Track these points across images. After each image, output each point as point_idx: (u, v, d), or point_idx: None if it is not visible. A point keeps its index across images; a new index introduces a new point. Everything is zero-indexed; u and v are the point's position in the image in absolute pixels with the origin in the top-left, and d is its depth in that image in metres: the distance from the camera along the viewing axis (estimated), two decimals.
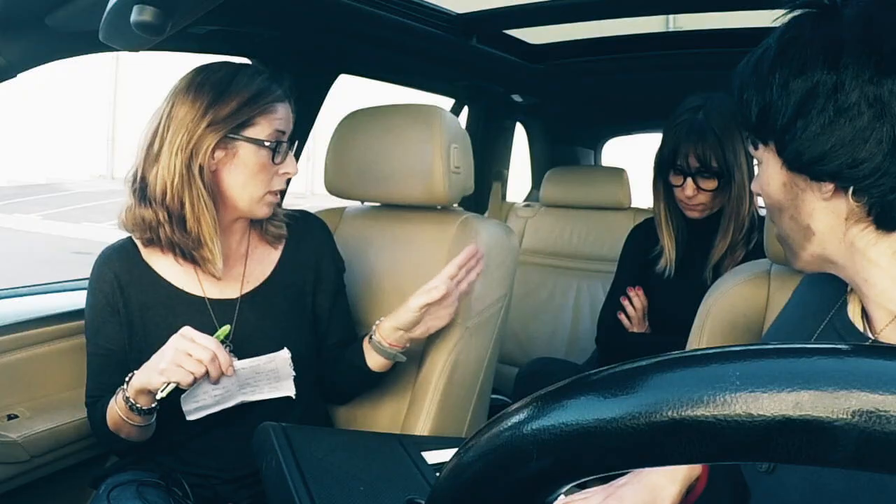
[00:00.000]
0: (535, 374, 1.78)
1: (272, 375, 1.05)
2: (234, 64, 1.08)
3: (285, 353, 1.05)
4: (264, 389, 1.05)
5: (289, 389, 1.05)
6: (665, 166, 1.46)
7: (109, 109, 13.95)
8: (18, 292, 1.35)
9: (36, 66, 1.06)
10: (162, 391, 0.94)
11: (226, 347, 0.99)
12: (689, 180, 1.41)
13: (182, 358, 0.93)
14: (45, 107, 13.35)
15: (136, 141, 1.06)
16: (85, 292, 1.12)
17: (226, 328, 1.01)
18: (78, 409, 1.20)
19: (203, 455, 1.11)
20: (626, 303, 1.58)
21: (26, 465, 1.13)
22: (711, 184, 1.41)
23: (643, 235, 1.64)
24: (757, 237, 1.46)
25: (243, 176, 1.05)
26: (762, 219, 1.49)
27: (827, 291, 0.74)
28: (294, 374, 1.06)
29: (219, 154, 1.04)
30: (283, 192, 1.52)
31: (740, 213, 1.43)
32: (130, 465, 1.12)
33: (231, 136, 1.03)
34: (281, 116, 1.07)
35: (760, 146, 0.67)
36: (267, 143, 1.05)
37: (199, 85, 1.02)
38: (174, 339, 0.95)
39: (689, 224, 1.53)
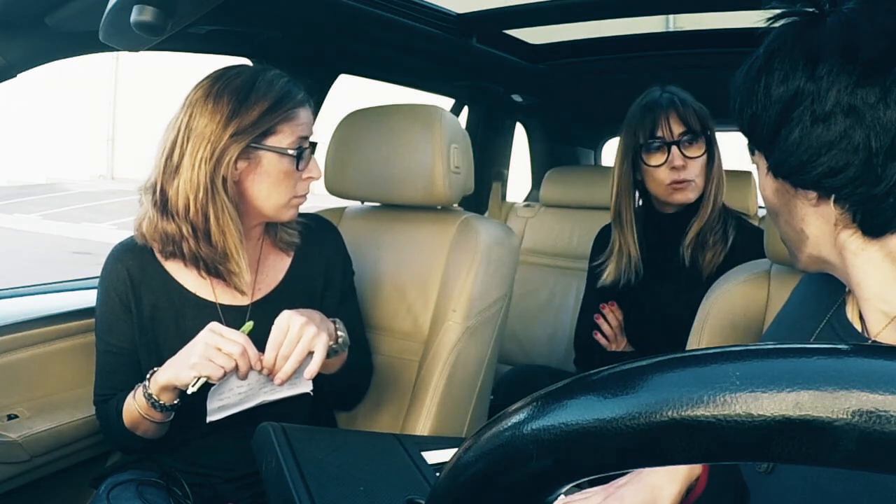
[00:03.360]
0: (515, 381, 1.76)
1: (295, 375, 1.03)
2: (251, 68, 1.06)
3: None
4: (284, 388, 1.04)
5: (307, 386, 1.05)
6: (638, 151, 1.37)
7: (109, 109, 13.95)
8: (18, 292, 1.35)
9: (36, 66, 1.06)
10: (193, 386, 0.94)
11: None
12: (675, 149, 1.33)
13: (212, 352, 0.93)
14: (45, 107, 13.36)
15: (154, 151, 1.04)
16: (85, 292, 1.12)
17: (249, 324, 1.00)
18: (78, 409, 1.20)
19: (203, 454, 1.11)
20: (600, 321, 1.47)
21: (26, 465, 1.13)
22: (698, 149, 1.34)
23: (608, 242, 1.53)
24: (734, 237, 1.40)
25: (267, 185, 1.04)
26: (737, 218, 1.45)
27: (825, 291, 0.74)
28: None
29: (241, 164, 1.02)
30: None
31: (719, 193, 1.38)
32: (131, 465, 1.12)
33: (254, 145, 1.01)
34: (303, 122, 1.05)
35: (756, 152, 0.67)
36: (290, 152, 1.03)
37: (218, 94, 1.00)
38: (204, 334, 0.95)
39: (656, 222, 1.46)
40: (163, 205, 1.01)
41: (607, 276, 1.46)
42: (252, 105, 1.00)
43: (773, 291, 1.00)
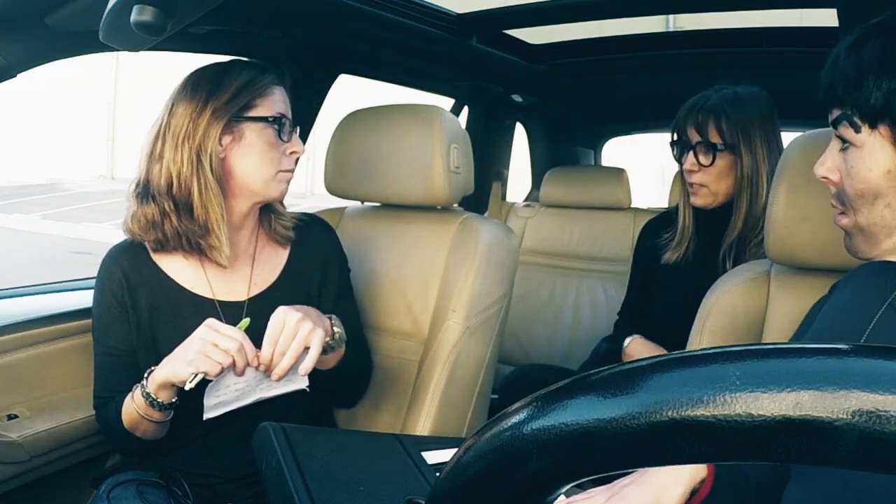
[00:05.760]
0: (519, 379, 1.77)
1: (289, 371, 1.04)
2: (224, 62, 1.10)
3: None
4: (280, 384, 1.04)
5: (303, 382, 1.05)
6: (675, 147, 1.43)
7: (109, 109, 13.96)
8: (18, 292, 1.35)
9: (36, 66, 1.07)
10: (190, 382, 0.94)
11: None
12: (690, 154, 1.37)
13: (209, 348, 0.94)
14: (45, 107, 13.35)
15: (140, 150, 1.07)
16: (85, 292, 1.12)
17: (246, 321, 1.01)
18: (78, 409, 1.20)
19: (203, 455, 1.11)
20: None
21: (26, 465, 1.13)
22: (708, 158, 1.35)
23: (654, 232, 1.57)
24: None
25: (253, 158, 1.06)
26: None
27: (884, 279, 0.73)
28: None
29: (226, 140, 1.05)
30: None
31: (753, 202, 1.35)
32: (131, 465, 1.12)
33: (235, 119, 1.04)
34: (278, 99, 1.09)
35: (865, 130, 0.67)
36: (271, 119, 1.07)
37: (195, 83, 1.05)
38: (201, 330, 0.96)
39: (701, 218, 1.47)
40: (144, 191, 1.04)
41: (671, 254, 1.48)
42: (228, 85, 1.04)
43: (773, 291, 1.00)
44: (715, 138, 1.35)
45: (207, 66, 1.08)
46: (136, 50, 0.95)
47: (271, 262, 1.16)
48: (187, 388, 0.95)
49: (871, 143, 0.67)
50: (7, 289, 1.35)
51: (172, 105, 1.05)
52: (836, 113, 0.71)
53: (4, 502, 1.13)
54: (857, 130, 0.68)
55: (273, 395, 1.05)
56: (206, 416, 1.01)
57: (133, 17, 0.74)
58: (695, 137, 1.37)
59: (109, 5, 0.77)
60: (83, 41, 1.08)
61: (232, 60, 1.10)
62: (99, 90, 13.64)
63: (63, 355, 1.25)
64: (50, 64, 1.10)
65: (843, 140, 0.71)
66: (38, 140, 13.94)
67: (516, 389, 1.70)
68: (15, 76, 1.04)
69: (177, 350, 0.97)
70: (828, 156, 0.74)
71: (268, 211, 1.16)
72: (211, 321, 0.97)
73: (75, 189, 12.89)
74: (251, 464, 1.05)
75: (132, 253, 1.10)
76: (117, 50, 1.02)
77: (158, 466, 1.10)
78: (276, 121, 1.07)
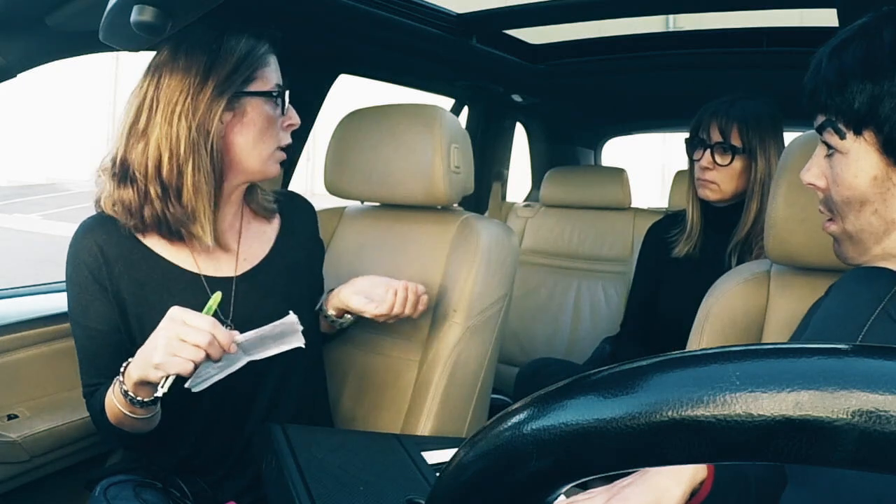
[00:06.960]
0: (535, 374, 1.78)
1: (279, 338, 0.99)
2: (214, 28, 1.03)
3: (292, 318, 0.98)
4: (272, 346, 0.98)
5: (299, 340, 0.99)
6: (690, 143, 1.52)
7: (109, 109, 13.95)
8: (18, 292, 1.35)
9: (36, 66, 1.06)
10: (162, 387, 0.85)
11: (225, 325, 0.91)
12: (707, 152, 1.47)
13: (176, 346, 0.83)
14: (45, 107, 13.35)
15: (117, 126, 1.00)
16: None
17: (217, 295, 0.91)
18: (78, 409, 1.20)
19: (202, 455, 1.10)
20: None
21: (26, 465, 1.13)
22: (726, 159, 1.45)
23: (663, 229, 1.66)
24: None
25: (253, 134, 1.02)
26: None
27: (875, 285, 0.73)
28: (302, 327, 1.00)
29: (227, 117, 1.00)
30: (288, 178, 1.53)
31: (763, 204, 1.42)
32: (127, 467, 1.11)
33: (237, 95, 1.00)
34: (274, 68, 1.06)
35: (849, 136, 0.66)
36: (275, 94, 1.03)
37: (189, 51, 0.97)
38: (164, 325, 0.85)
39: (709, 213, 1.56)
40: (122, 174, 0.98)
41: (681, 248, 1.58)
42: (227, 55, 0.98)
43: (773, 291, 1.00)
44: (736, 142, 1.45)
45: (198, 32, 0.98)
46: (136, 50, 0.94)
47: (259, 239, 1.13)
48: (160, 394, 0.86)
49: (856, 150, 0.66)
50: (7, 289, 1.35)
51: (160, 76, 0.97)
52: (820, 119, 0.70)
53: (4, 502, 1.13)
54: (842, 137, 0.67)
55: (267, 357, 0.99)
56: (195, 390, 0.94)
57: (133, 17, 0.74)
58: (716, 138, 1.46)
59: (109, 5, 0.77)
60: (83, 41, 1.08)
61: (223, 25, 1.02)
62: (99, 90, 13.64)
63: (63, 355, 1.25)
64: (50, 64, 1.10)
65: (829, 146, 0.70)
66: (38, 140, 13.94)
67: (532, 383, 1.71)
68: (15, 76, 1.04)
69: (144, 348, 0.88)
70: (814, 162, 0.73)
71: (252, 187, 1.12)
72: (175, 311, 0.86)
73: (75, 189, 12.89)
74: (251, 464, 1.05)
75: (108, 226, 1.01)
76: (117, 50, 1.01)
77: (156, 467, 1.09)
78: (279, 94, 1.04)
